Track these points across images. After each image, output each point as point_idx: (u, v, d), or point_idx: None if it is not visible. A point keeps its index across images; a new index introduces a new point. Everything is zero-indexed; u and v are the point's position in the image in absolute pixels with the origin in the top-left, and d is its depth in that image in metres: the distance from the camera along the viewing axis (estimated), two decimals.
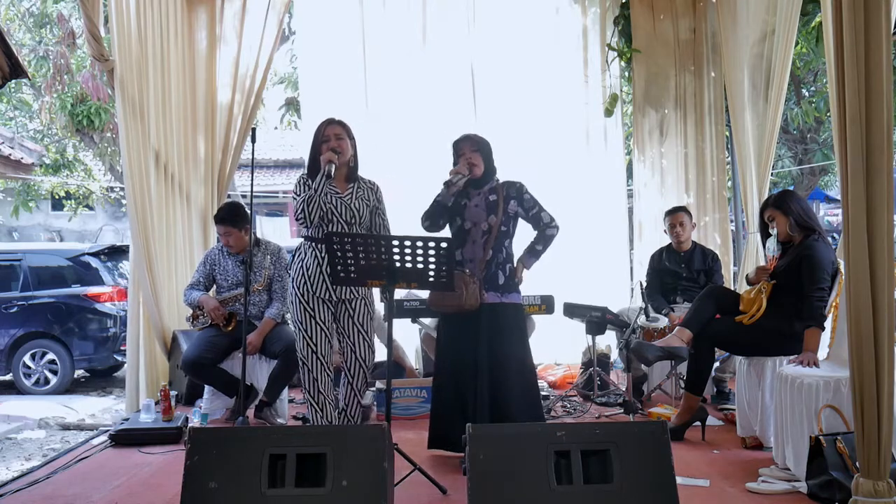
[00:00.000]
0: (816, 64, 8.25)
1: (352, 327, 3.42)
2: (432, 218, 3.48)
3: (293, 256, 3.51)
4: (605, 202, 6.29)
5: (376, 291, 3.40)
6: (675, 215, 4.90)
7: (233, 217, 4.31)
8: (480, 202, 3.45)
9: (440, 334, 3.59)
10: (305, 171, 3.48)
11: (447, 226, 3.54)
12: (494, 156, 3.54)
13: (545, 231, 3.48)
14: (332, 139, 3.36)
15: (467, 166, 3.40)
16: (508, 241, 3.49)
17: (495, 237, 3.41)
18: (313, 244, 3.37)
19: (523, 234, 3.59)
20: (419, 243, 2.93)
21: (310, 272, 3.35)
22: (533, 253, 3.48)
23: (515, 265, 3.48)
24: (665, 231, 4.97)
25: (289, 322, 4.60)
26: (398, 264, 2.95)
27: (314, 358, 3.35)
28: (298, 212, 3.32)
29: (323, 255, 3.30)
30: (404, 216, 5.32)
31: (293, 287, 3.41)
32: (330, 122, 3.43)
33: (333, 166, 3.26)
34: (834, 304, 3.54)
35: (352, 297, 3.40)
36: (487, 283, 3.39)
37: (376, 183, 3.54)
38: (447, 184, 3.39)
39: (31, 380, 7.73)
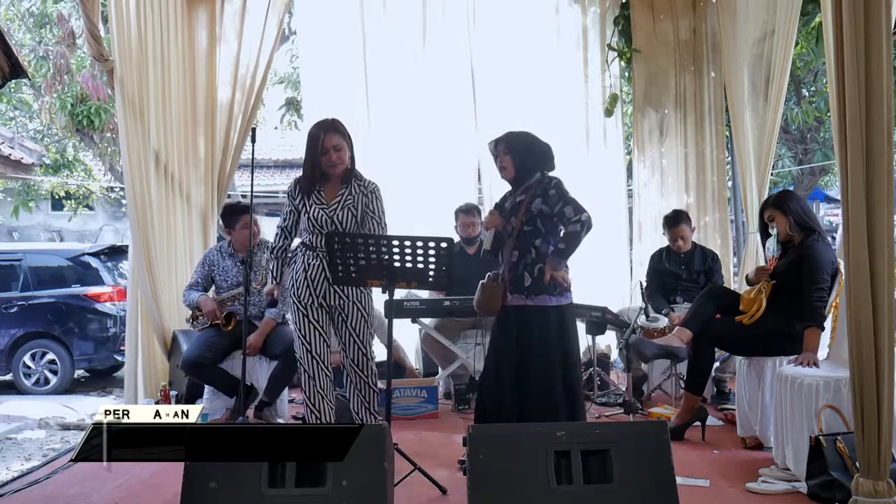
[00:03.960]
0: (816, 64, 8.24)
1: (346, 332, 3.38)
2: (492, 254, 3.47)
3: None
4: (605, 202, 6.27)
5: (376, 292, 3.37)
6: (676, 229, 4.80)
7: (246, 209, 4.30)
8: (510, 204, 3.35)
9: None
10: (300, 177, 3.37)
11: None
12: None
13: (567, 228, 3.22)
14: (331, 151, 3.25)
15: (489, 219, 3.34)
16: (540, 241, 3.25)
17: (517, 238, 3.26)
18: (305, 249, 3.36)
19: None
20: (419, 243, 2.93)
21: (299, 276, 3.35)
22: (557, 253, 3.22)
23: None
24: (664, 234, 4.96)
25: (289, 322, 4.60)
26: (398, 264, 2.95)
27: (309, 358, 3.33)
28: (282, 221, 3.40)
29: (311, 260, 3.31)
30: (404, 215, 5.35)
31: (290, 291, 3.40)
32: (326, 130, 3.26)
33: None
34: (834, 304, 3.54)
35: (343, 302, 3.33)
36: (513, 285, 3.24)
37: (374, 184, 3.40)
38: (485, 252, 3.38)
39: (31, 380, 7.73)
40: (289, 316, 4.57)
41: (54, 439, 5.91)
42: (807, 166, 11.10)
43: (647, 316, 4.31)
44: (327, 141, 3.25)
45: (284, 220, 3.42)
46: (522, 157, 3.31)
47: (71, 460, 2.78)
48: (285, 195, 3.44)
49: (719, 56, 6.03)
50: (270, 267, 3.50)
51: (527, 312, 3.22)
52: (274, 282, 3.46)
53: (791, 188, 11.15)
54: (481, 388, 3.39)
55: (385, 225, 3.40)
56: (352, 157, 3.34)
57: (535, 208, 3.25)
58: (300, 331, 3.35)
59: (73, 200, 14.50)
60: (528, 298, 3.22)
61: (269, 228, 4.72)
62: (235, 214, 4.40)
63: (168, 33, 5.22)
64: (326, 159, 3.26)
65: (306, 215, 3.32)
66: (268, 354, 4.29)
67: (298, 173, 3.43)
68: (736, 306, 3.67)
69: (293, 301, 3.37)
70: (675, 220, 4.86)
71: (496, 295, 3.25)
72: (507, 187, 3.46)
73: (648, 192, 6.36)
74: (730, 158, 6.65)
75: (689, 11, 6.25)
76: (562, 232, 3.25)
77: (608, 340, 5.35)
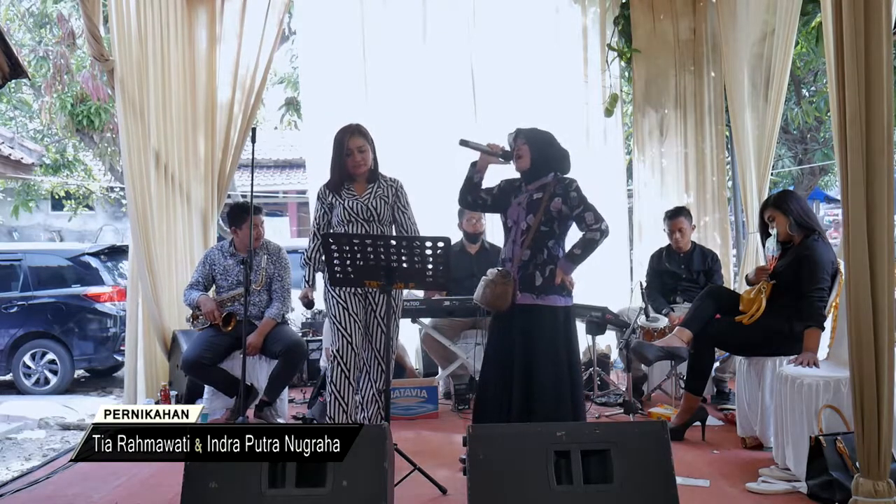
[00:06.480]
0: (816, 64, 8.24)
1: (373, 321, 3.49)
2: (461, 194, 3.44)
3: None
4: (605, 202, 6.23)
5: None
6: (675, 221, 4.84)
7: (254, 209, 4.31)
8: (524, 200, 3.29)
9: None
10: (328, 181, 3.54)
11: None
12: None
13: (586, 234, 3.22)
14: (355, 153, 3.45)
15: (502, 149, 3.31)
16: (553, 242, 3.25)
17: (532, 237, 3.22)
18: None
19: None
20: (416, 243, 2.93)
21: None
22: (571, 257, 3.22)
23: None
24: (664, 230, 4.97)
25: (289, 322, 4.60)
26: (395, 264, 2.95)
27: (349, 350, 3.40)
28: (314, 225, 3.53)
29: None
30: None
31: (327, 285, 3.47)
32: (351, 134, 3.46)
33: None
34: (834, 304, 3.54)
35: (375, 290, 3.46)
36: (523, 284, 3.22)
37: (398, 180, 3.61)
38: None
39: (31, 380, 7.73)
40: (289, 316, 4.58)
41: (54, 439, 5.91)
42: (807, 166, 11.09)
43: (647, 316, 4.31)
44: (351, 143, 3.44)
45: (318, 223, 3.58)
46: (539, 150, 3.30)
47: (71, 460, 2.78)
48: (317, 200, 3.59)
49: (719, 56, 6.03)
50: (304, 271, 3.64)
51: (536, 311, 3.22)
52: (306, 285, 3.62)
53: (791, 188, 11.15)
54: (481, 386, 3.39)
55: (414, 219, 3.59)
56: (375, 159, 3.53)
57: (553, 208, 3.24)
58: (340, 323, 3.43)
59: (73, 200, 14.49)
60: (539, 298, 3.22)
61: (268, 228, 4.72)
62: (244, 214, 4.37)
63: (168, 33, 5.22)
64: (351, 161, 3.45)
65: (340, 206, 3.46)
66: (268, 354, 4.28)
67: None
68: (736, 306, 3.67)
69: (331, 294, 3.46)
70: (675, 213, 4.91)
71: (507, 292, 3.21)
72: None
73: (648, 192, 6.35)
74: (730, 158, 6.64)
75: (689, 11, 6.25)
76: (579, 236, 3.26)
77: (608, 340, 5.35)
